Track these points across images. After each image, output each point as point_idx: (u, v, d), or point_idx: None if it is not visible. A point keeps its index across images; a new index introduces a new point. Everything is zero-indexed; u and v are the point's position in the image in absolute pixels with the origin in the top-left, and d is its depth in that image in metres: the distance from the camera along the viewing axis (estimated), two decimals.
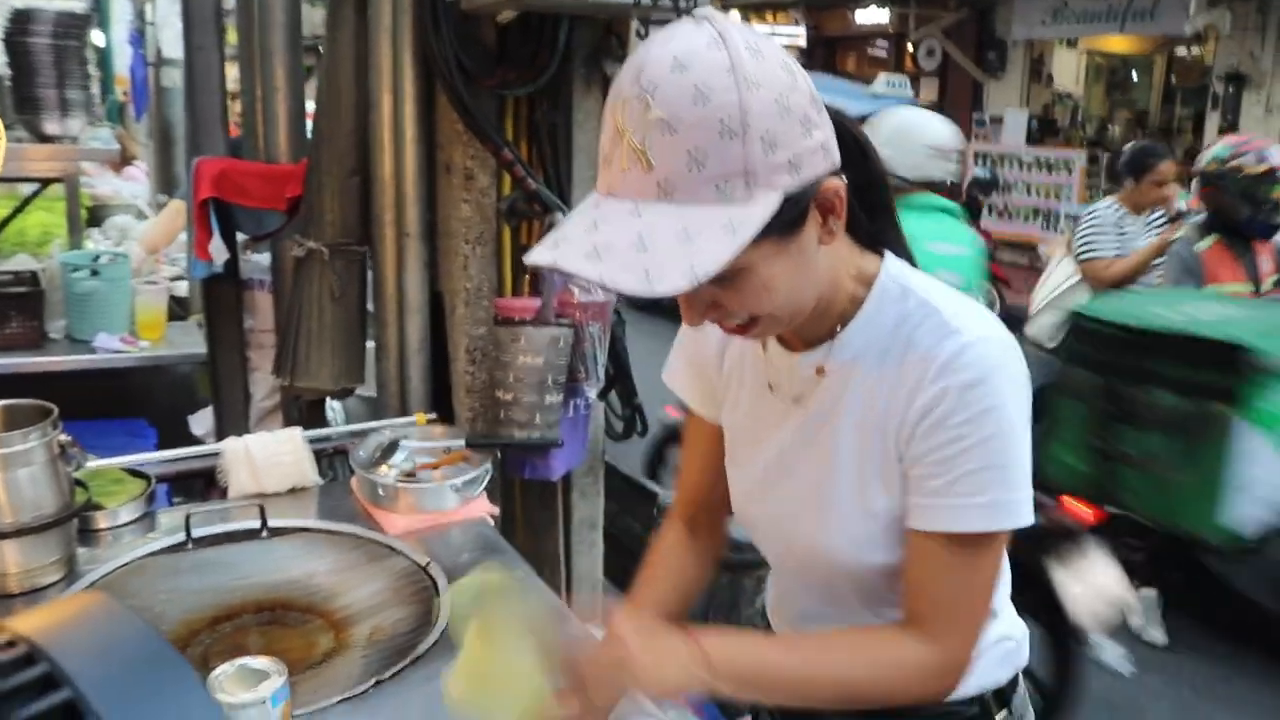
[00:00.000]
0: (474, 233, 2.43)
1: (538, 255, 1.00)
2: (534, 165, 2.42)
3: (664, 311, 8.82)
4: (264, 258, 3.10)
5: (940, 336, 1.09)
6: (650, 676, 1.09)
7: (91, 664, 0.36)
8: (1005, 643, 1.29)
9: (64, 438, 1.71)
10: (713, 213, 0.95)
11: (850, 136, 1.09)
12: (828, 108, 1.05)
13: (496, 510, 2.12)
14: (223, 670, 1.31)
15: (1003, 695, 1.30)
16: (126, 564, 1.79)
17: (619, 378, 2.61)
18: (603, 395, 2.61)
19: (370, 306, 2.60)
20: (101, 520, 1.90)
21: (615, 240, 0.95)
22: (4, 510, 1.64)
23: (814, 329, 1.17)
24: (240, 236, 2.96)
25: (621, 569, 3.43)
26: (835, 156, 1.04)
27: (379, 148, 2.38)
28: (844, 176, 1.05)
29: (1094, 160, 11.19)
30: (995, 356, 1.08)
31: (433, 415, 2.38)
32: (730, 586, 2.73)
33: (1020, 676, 1.33)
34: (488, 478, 2.11)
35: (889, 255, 1.17)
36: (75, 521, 1.77)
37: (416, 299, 2.47)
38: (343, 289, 2.49)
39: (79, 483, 1.83)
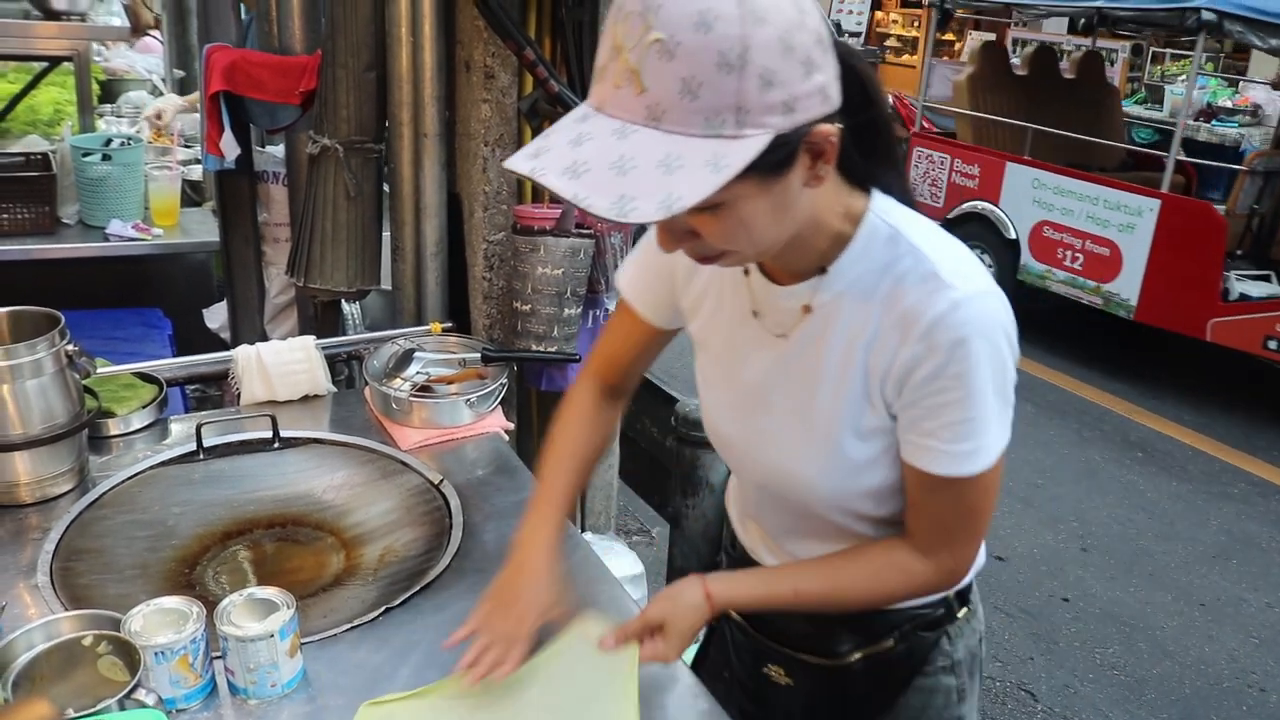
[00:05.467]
0: (494, 134, 2.35)
1: (517, 163, 0.98)
2: (557, 65, 2.32)
3: None
4: (278, 150, 3.02)
5: (930, 290, 1.08)
6: (686, 638, 1.26)
7: None
8: None
9: (71, 347, 1.68)
10: (699, 145, 0.92)
11: (856, 77, 1.05)
12: (840, 45, 1.02)
13: (511, 425, 2.09)
14: (230, 601, 1.30)
15: (963, 595, 1.39)
16: (138, 474, 1.78)
17: None
18: None
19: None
20: (113, 427, 1.89)
21: (596, 159, 0.93)
22: (14, 421, 1.62)
23: (796, 263, 1.16)
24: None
25: (637, 472, 3.44)
26: (834, 100, 1.00)
27: (396, 42, 2.28)
28: (841, 120, 1.02)
29: (1138, 51, 10.79)
30: (985, 313, 1.09)
31: (449, 324, 2.34)
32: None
33: (974, 578, 1.40)
34: (503, 392, 2.08)
35: (876, 193, 1.15)
36: (86, 430, 1.75)
37: (433, 201, 2.40)
38: (358, 188, 2.42)
39: (89, 390, 1.80)
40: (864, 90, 1.06)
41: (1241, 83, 8.55)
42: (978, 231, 6.69)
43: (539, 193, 2.42)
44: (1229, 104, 8.01)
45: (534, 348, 2.27)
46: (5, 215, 3.14)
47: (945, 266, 1.10)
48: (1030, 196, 6.47)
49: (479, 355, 2.15)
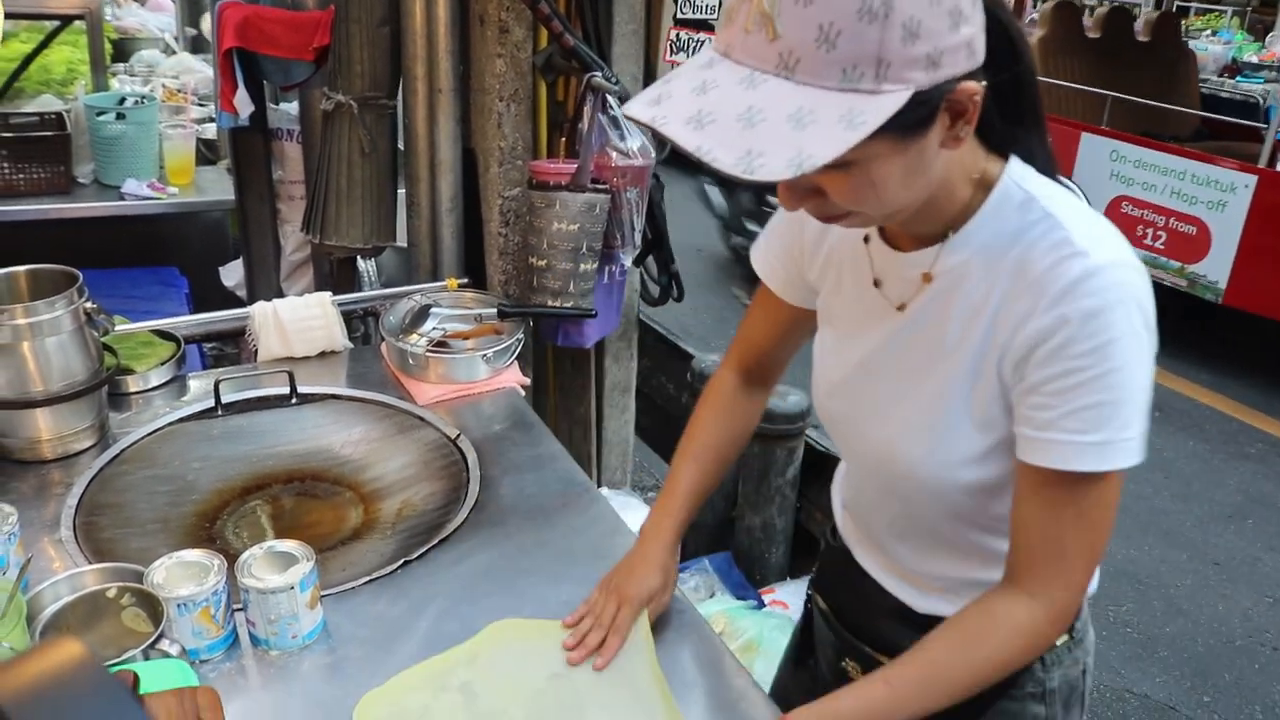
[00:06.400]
0: (508, 89, 2.33)
1: (636, 109, 0.92)
2: (572, 19, 2.30)
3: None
4: (292, 107, 3.01)
5: (1063, 257, 0.99)
6: None
7: None
8: None
9: (90, 304, 1.68)
10: (833, 99, 0.86)
11: (1004, 30, 0.98)
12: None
13: (528, 380, 2.09)
14: (251, 554, 1.31)
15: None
16: (158, 430, 1.79)
17: (656, 243, 2.55)
18: (639, 261, 2.55)
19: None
20: (132, 384, 1.90)
21: (722, 109, 0.87)
22: (35, 378, 1.63)
23: (922, 228, 1.09)
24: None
25: (653, 428, 3.44)
26: (980, 55, 0.93)
27: None
28: (984, 77, 0.95)
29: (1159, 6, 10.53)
30: (1122, 284, 0.98)
31: (464, 280, 2.34)
32: (762, 455, 2.72)
33: (1085, 602, 1.29)
34: (519, 347, 2.08)
35: (1014, 159, 1.07)
36: (106, 387, 1.76)
37: (448, 157, 2.39)
38: (373, 144, 2.41)
39: (108, 348, 1.81)
40: (1011, 44, 0.99)
41: (1269, 37, 8.40)
42: None
43: (554, 148, 2.41)
44: (1254, 59, 7.86)
45: (550, 303, 2.26)
46: (21, 175, 3.15)
47: (1080, 232, 1.00)
48: (1107, 170, 5.95)
49: (495, 311, 2.14)
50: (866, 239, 1.18)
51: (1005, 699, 1.26)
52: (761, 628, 2.42)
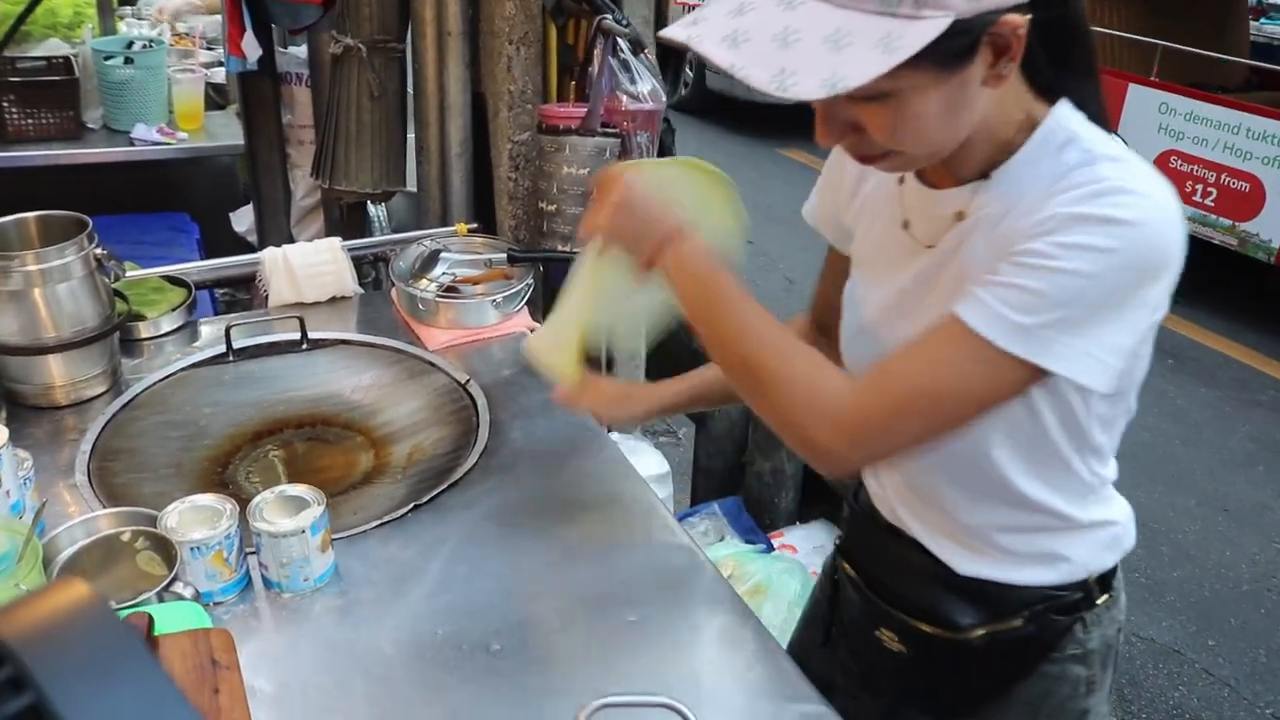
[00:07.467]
0: (518, 32, 2.30)
1: (673, 31, 0.91)
2: None
3: (714, 115, 8.49)
4: (301, 51, 2.98)
5: (1084, 179, 0.95)
6: (634, 227, 1.17)
7: (63, 667, 0.34)
8: (1111, 527, 1.23)
9: (100, 251, 1.69)
10: (871, 23, 0.85)
11: None
12: None
13: (538, 325, 2.09)
14: (263, 498, 1.33)
15: (1105, 580, 1.24)
16: (170, 376, 1.80)
17: None
18: None
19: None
20: (143, 330, 1.90)
21: (758, 29, 0.87)
22: (46, 325, 1.64)
23: (959, 168, 1.05)
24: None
25: (665, 374, 3.44)
26: None
27: None
28: (1030, 15, 0.91)
29: None
30: (1138, 210, 0.92)
31: (474, 225, 2.33)
32: None
33: (1118, 564, 1.26)
34: (529, 292, 2.08)
35: (1064, 102, 1.02)
36: (117, 333, 1.76)
37: (458, 101, 2.37)
38: (382, 88, 2.39)
39: (119, 294, 1.81)
40: None
41: None
42: None
43: (564, 92, 2.39)
44: None
45: (560, 248, 2.26)
46: (30, 120, 3.14)
47: (1110, 163, 0.96)
48: (1156, 123, 5.65)
49: (505, 256, 2.14)
50: (901, 179, 1.15)
51: (1046, 662, 1.24)
52: (770, 571, 2.44)
